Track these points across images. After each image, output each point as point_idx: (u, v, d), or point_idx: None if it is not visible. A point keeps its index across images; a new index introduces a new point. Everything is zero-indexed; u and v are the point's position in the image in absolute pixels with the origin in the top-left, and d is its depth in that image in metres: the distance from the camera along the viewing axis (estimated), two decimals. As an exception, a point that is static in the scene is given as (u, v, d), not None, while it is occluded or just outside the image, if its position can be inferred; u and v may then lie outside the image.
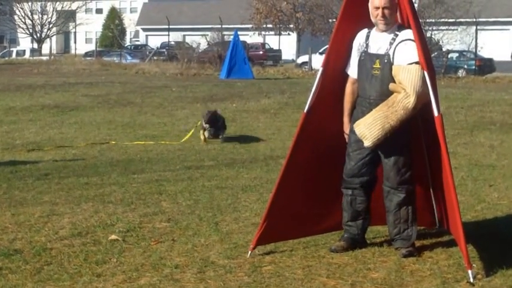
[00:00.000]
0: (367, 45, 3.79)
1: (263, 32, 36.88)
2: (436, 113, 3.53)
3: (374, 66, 3.74)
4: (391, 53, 3.70)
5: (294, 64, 31.38)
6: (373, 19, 3.75)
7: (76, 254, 3.80)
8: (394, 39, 3.72)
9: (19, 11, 41.54)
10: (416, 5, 25.05)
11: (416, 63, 3.62)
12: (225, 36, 27.26)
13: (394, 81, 3.68)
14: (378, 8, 3.70)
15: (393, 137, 3.65)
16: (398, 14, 3.80)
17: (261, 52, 33.57)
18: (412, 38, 3.66)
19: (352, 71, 3.86)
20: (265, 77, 21.39)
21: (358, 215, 3.89)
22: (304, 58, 30.04)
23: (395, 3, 3.71)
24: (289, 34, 36.34)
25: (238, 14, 35.92)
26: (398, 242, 3.80)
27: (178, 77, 20.30)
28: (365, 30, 3.82)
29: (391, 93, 3.66)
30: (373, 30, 3.79)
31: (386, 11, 3.69)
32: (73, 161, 6.95)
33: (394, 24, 3.77)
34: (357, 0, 3.77)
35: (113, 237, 4.12)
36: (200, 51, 26.48)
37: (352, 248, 3.85)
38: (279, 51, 35.43)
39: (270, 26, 35.73)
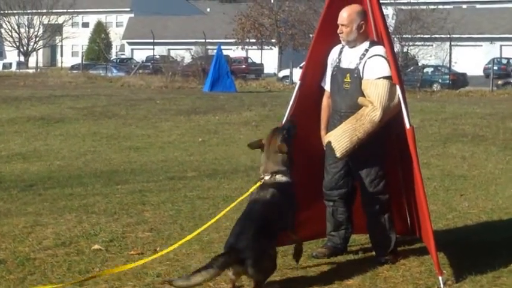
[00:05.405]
0: (339, 59, 3.91)
1: (246, 47, 37.11)
2: (407, 125, 3.66)
3: (345, 80, 3.85)
4: (360, 67, 3.81)
5: (275, 78, 31.61)
6: None
7: (59, 263, 3.84)
8: (364, 55, 3.82)
9: (6, 24, 41.19)
10: (393, 21, 25.53)
11: (384, 78, 3.73)
12: (209, 51, 27.39)
13: (364, 95, 3.78)
14: (338, 24, 3.85)
15: (363, 150, 3.75)
16: (373, 29, 3.93)
17: (243, 66, 33.81)
18: (382, 53, 3.77)
19: (328, 85, 3.98)
20: (247, 90, 21.50)
21: (340, 225, 3.99)
22: (285, 72, 30.30)
23: (356, 23, 3.78)
24: (271, 48, 36.59)
25: (222, 29, 36.12)
26: (377, 250, 3.91)
27: (163, 90, 20.34)
28: (339, 46, 3.93)
29: (361, 106, 3.77)
30: (346, 46, 3.91)
31: (343, 28, 3.81)
32: (57, 172, 6.99)
33: (364, 40, 3.86)
34: (333, 16, 3.89)
35: (96, 247, 4.17)
36: (184, 64, 26.57)
37: (334, 255, 3.96)
38: (261, 65, 35.70)
39: (252, 40, 35.98)
